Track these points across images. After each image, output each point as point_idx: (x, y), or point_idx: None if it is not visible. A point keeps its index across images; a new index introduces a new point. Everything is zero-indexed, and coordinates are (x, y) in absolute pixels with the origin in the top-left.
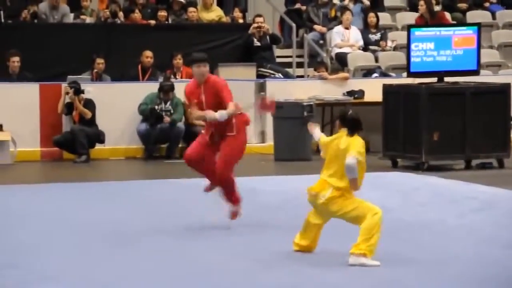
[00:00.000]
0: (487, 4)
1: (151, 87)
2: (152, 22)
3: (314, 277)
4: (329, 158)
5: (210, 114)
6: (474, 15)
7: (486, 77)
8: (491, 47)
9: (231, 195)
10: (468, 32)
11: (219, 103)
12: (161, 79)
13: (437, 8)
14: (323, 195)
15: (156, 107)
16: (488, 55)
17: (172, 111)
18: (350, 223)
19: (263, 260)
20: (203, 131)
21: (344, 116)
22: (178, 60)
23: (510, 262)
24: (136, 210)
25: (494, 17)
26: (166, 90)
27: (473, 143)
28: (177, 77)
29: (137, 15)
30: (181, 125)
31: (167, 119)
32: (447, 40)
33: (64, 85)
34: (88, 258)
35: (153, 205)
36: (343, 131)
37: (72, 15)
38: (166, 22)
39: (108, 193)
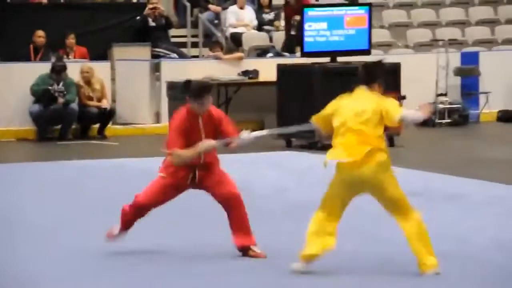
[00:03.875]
0: None
1: (44, 68)
2: (44, 1)
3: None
4: None
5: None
6: None
7: (377, 56)
8: (382, 27)
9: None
10: (360, 12)
11: (215, 138)
12: (53, 59)
13: None
14: None
15: (50, 88)
16: (379, 35)
17: (65, 92)
18: None
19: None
20: (162, 174)
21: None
22: (71, 40)
23: (383, 235)
24: (30, 193)
25: None
26: (58, 71)
27: None
28: (70, 57)
29: None
30: (74, 106)
31: (61, 100)
32: (340, 20)
33: None
34: None
35: (47, 187)
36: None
37: None
38: (59, 1)
39: None
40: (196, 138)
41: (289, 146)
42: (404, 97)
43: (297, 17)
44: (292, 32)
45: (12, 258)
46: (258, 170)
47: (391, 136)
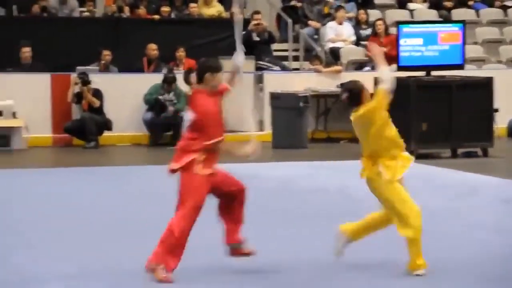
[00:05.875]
0: (471, 2)
1: (156, 78)
2: (156, 16)
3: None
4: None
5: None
6: (459, 13)
7: (470, 71)
8: (475, 43)
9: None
10: (453, 29)
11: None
12: (164, 71)
13: (424, 5)
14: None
15: (160, 97)
16: (472, 51)
17: (175, 101)
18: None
19: (260, 242)
20: (200, 166)
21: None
22: (181, 53)
23: (496, 246)
24: (140, 194)
25: (478, 15)
26: (169, 81)
27: (459, 133)
28: (180, 69)
29: (141, 10)
30: (184, 114)
31: (171, 108)
32: (434, 36)
33: (73, 75)
34: (87, 243)
35: (156, 189)
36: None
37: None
38: (169, 17)
39: (114, 177)
40: (217, 117)
41: None
42: (497, 110)
43: (384, 49)
44: None
45: (111, 264)
46: (350, 178)
47: (485, 148)
